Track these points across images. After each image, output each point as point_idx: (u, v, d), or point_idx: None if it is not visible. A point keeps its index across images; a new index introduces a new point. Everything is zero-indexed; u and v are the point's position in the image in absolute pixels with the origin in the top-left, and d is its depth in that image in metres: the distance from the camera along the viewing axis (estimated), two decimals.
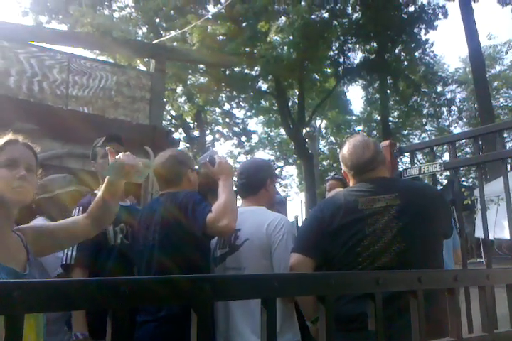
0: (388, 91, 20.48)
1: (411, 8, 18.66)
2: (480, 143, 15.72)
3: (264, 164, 2.68)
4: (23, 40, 6.56)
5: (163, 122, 21.30)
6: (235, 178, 2.55)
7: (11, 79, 6.26)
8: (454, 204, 3.24)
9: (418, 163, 22.07)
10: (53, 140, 4.91)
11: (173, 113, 22.89)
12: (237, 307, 2.17)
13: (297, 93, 19.83)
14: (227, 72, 17.73)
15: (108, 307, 0.76)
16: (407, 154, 3.52)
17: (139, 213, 2.56)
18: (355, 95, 69.24)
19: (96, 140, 2.75)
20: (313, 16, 16.74)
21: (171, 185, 2.43)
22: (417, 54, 19.46)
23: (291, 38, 15.83)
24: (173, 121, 23.61)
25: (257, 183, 2.48)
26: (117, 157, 1.83)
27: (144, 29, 19.61)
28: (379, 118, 23.01)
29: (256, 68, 17.67)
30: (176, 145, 6.55)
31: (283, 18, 16.75)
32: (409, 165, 3.15)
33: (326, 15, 17.78)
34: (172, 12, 17.22)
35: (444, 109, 28.12)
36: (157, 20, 18.56)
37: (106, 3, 18.80)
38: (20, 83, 6.25)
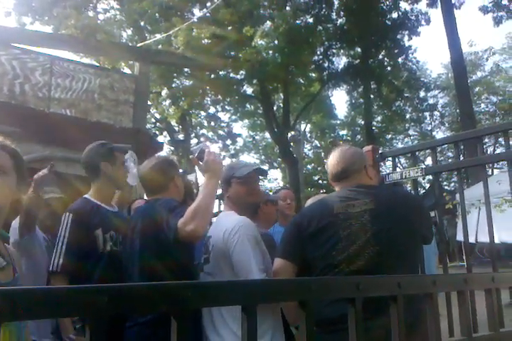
0: (372, 96, 20.69)
1: (394, 15, 18.92)
2: (462, 147, 15.97)
3: (226, 168, 2.64)
4: (5, 41, 6.48)
5: (148, 125, 21.22)
6: None
7: None
8: (435, 209, 3.29)
9: (401, 166, 22.33)
10: (35, 143, 4.85)
11: (157, 116, 22.77)
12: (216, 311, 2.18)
13: (282, 97, 19.91)
14: (212, 76, 17.72)
15: (88, 315, 0.76)
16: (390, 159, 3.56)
17: (129, 219, 2.55)
18: (340, 100, 69.76)
19: (116, 145, 2.67)
20: (298, 21, 16.86)
21: (157, 192, 2.42)
22: (400, 60, 19.71)
23: (276, 42, 15.91)
24: (158, 124, 23.49)
25: (164, 182, 2.47)
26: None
27: (129, 31, 19.50)
28: (363, 122, 23.19)
29: (241, 72, 17.71)
30: (159, 148, 6.52)
31: (268, 23, 16.82)
32: (392, 170, 3.20)
33: (311, 20, 17.92)
34: (157, 15, 17.15)
35: (427, 114, 28.49)
36: (142, 22, 18.47)
37: (90, 5, 18.66)
38: (1, 85, 6.17)
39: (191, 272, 2.32)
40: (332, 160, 2.27)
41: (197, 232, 2.01)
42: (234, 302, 0.97)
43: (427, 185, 20.17)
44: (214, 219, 2.54)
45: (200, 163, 2.25)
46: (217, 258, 2.23)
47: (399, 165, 24.39)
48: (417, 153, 3.38)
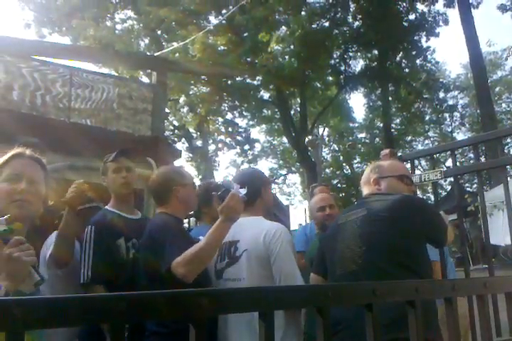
0: (390, 98, 20.54)
1: (411, 16, 18.79)
2: (483, 148, 15.68)
3: (256, 173, 2.68)
4: (25, 54, 6.63)
5: (166, 132, 21.42)
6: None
7: (14, 93, 6.33)
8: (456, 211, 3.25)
9: (422, 169, 22.05)
10: (56, 153, 4.95)
11: (175, 123, 22.98)
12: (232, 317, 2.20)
13: (299, 101, 19.91)
14: (229, 82, 17.83)
15: (107, 323, 0.78)
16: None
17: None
18: (358, 103, 69.32)
19: (106, 155, 2.77)
20: (313, 25, 16.86)
21: (160, 203, 2.48)
22: (418, 61, 19.53)
23: (292, 47, 15.94)
24: (176, 131, 23.68)
25: (252, 194, 2.49)
26: None
27: (146, 41, 19.77)
28: (381, 125, 23.02)
29: (257, 78, 17.78)
30: (177, 155, 6.58)
31: (283, 28, 16.87)
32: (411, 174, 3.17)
33: (327, 24, 17.92)
34: (173, 24, 17.36)
35: (447, 115, 28.13)
36: (159, 31, 18.70)
37: (108, 16, 18.97)
38: (23, 97, 6.31)
39: (203, 282, 2.32)
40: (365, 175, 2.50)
41: (186, 278, 2.00)
42: (251, 309, 0.98)
43: (449, 187, 19.89)
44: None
45: (220, 202, 2.23)
46: (253, 262, 2.22)
47: (420, 167, 24.14)
48: (437, 155, 3.35)
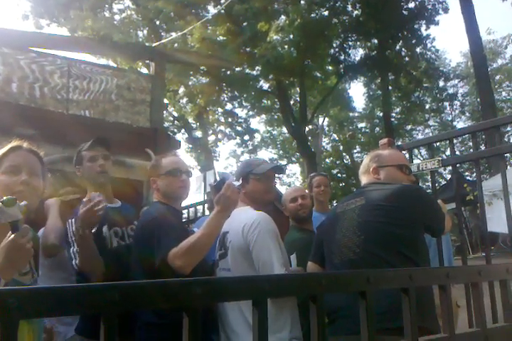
0: (390, 87, 20.45)
1: (411, 4, 18.63)
2: (483, 137, 15.63)
3: (247, 161, 2.76)
4: (23, 45, 6.59)
5: (166, 123, 21.38)
6: None
7: (13, 85, 6.31)
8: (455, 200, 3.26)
9: (422, 158, 22.02)
10: (54, 144, 4.95)
11: (175, 114, 22.93)
12: (230, 309, 2.21)
13: (298, 91, 19.84)
14: (228, 73, 17.76)
15: (100, 312, 0.79)
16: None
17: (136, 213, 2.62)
18: (357, 92, 69.08)
19: (81, 144, 2.73)
20: (312, 15, 16.74)
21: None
22: (418, 49, 19.41)
23: (291, 37, 15.84)
24: (176, 122, 23.64)
25: (242, 180, 2.52)
26: None
27: (145, 31, 19.65)
28: (381, 114, 22.96)
29: (257, 68, 17.70)
30: (177, 146, 6.58)
31: (283, 17, 16.75)
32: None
33: (326, 13, 17.78)
34: (172, 14, 17.24)
35: (447, 104, 28.04)
36: (157, 22, 18.58)
37: (106, 6, 18.83)
38: (21, 89, 6.29)
39: (204, 269, 2.33)
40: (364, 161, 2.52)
41: (182, 270, 1.99)
42: (244, 297, 0.99)
43: (449, 176, 19.88)
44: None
45: (215, 193, 2.21)
46: (236, 253, 2.25)
47: (420, 157, 24.12)
48: (436, 144, 3.36)
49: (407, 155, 3.47)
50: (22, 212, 1.47)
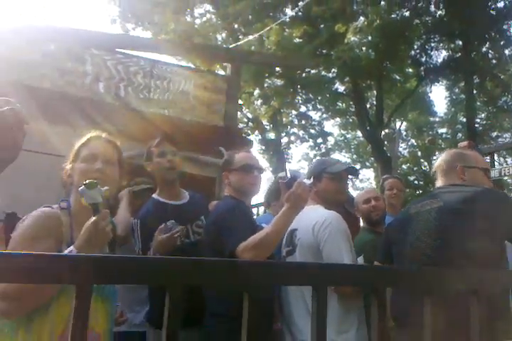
0: (475, 91, 19.46)
1: (500, 4, 17.65)
2: None
3: (322, 160, 2.83)
4: (110, 47, 6.99)
5: (240, 124, 21.73)
6: None
7: (100, 84, 6.71)
8: None
9: (505, 164, 20.72)
10: (136, 141, 5.19)
11: (249, 115, 23.24)
12: (294, 297, 2.22)
13: (375, 94, 19.41)
14: (303, 75, 17.74)
15: (166, 284, 0.83)
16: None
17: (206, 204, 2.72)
18: (439, 96, 66.33)
19: (150, 142, 2.86)
20: (393, 15, 16.33)
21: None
22: (506, 51, 18.32)
23: (369, 38, 15.55)
24: (250, 123, 23.95)
25: (314, 178, 2.54)
26: None
27: (224, 34, 20.12)
28: (464, 120, 21.90)
29: (333, 70, 17.54)
30: (249, 145, 6.68)
31: (361, 19, 16.49)
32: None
33: (407, 13, 17.27)
34: (250, 17, 17.52)
35: None
36: (236, 25, 18.97)
37: (188, 10, 19.50)
38: (109, 88, 6.68)
39: None
40: (440, 158, 2.47)
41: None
42: (304, 282, 1.00)
43: None
44: None
45: (286, 190, 2.24)
46: (305, 251, 2.26)
47: (505, 164, 22.74)
48: None
49: (488, 159, 3.31)
50: (103, 196, 1.57)
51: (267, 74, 18.43)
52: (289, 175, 2.37)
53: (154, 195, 2.82)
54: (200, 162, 5.48)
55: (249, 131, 22.55)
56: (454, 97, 23.70)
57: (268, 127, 24.78)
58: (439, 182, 2.32)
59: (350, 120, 25.15)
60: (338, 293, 2.12)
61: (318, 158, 24.58)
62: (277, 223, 2.16)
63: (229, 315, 2.12)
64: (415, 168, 27.93)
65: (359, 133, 24.62)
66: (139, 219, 2.69)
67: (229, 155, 2.66)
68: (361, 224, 3.53)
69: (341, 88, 20.01)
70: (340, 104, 22.46)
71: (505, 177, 2.85)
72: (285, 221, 2.16)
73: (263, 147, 23.92)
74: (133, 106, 6.65)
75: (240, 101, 17.25)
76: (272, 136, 24.66)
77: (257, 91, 20.75)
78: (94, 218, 1.47)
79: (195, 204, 2.86)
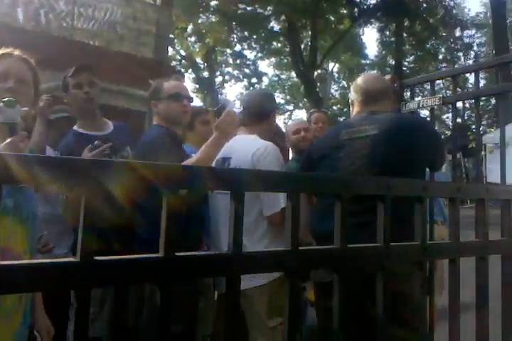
0: (404, 34, 19.82)
1: None
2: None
3: (272, 96, 2.78)
4: None
5: (173, 62, 20.98)
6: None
7: (18, 10, 6.18)
8: (461, 151, 3.27)
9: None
10: (58, 70, 4.91)
11: (182, 53, 22.47)
12: (222, 214, 2.30)
13: (310, 34, 19.29)
14: (239, 11, 17.20)
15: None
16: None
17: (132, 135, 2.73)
18: (371, 38, 66.88)
19: (67, 70, 2.68)
20: None
21: None
22: None
23: None
24: (183, 61, 23.20)
25: (264, 113, 2.55)
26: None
27: None
28: (393, 62, 22.42)
29: (269, 8, 17.11)
30: (180, 80, 6.52)
31: None
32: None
33: None
34: None
35: (461, 54, 27.27)
36: None
37: None
38: (27, 14, 6.16)
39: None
40: (368, 79, 2.31)
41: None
42: (224, 188, 1.04)
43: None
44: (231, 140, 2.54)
45: (216, 117, 2.22)
46: None
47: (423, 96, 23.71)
48: (445, 92, 3.32)
49: (409, 93, 3.45)
50: (21, 116, 1.48)
51: (200, 9, 17.69)
52: (218, 105, 2.36)
53: (75, 127, 2.70)
54: (129, 95, 5.30)
55: (182, 69, 21.88)
56: (385, 39, 24.05)
57: (202, 66, 24.15)
58: (366, 107, 2.22)
59: (285, 60, 25.00)
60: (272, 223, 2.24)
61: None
62: (206, 150, 2.18)
63: (151, 238, 2.18)
64: (345, 110, 28.63)
65: (293, 74, 24.63)
66: (60, 151, 2.59)
67: (157, 83, 2.57)
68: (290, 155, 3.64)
69: (277, 27, 19.68)
70: (275, 44, 22.17)
71: (423, 109, 2.98)
72: (214, 149, 2.18)
73: (197, 86, 23.44)
74: (55, 34, 6.22)
75: (172, 36, 16.54)
76: (205, 74, 24.12)
77: (190, 27, 19.95)
78: (11, 138, 1.40)
79: (119, 134, 2.77)
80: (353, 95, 2.31)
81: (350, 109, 2.35)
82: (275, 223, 2.27)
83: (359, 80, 2.33)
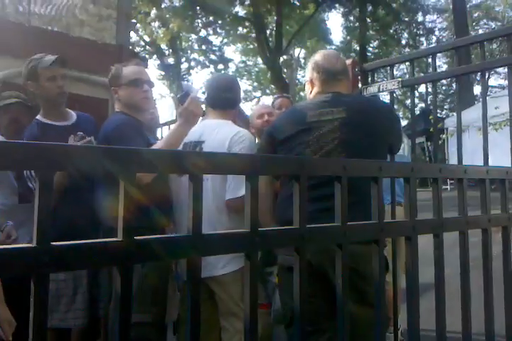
0: (368, 19, 19.99)
1: None
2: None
3: (237, 82, 2.78)
4: None
5: (137, 48, 20.56)
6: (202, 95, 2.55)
7: None
8: (425, 134, 3.35)
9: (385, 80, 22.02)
10: (14, 58, 4.75)
11: (146, 39, 22.03)
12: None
13: (275, 19, 19.21)
14: None
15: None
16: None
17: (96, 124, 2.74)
18: (335, 24, 67.14)
19: (34, 59, 2.58)
20: None
21: None
22: None
23: None
24: (148, 47, 22.77)
25: (238, 99, 2.56)
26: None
27: None
28: (358, 48, 22.60)
29: None
30: (145, 64, 6.40)
31: None
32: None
33: None
34: None
35: (423, 39, 27.69)
36: None
37: None
38: None
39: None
40: (328, 57, 2.25)
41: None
42: (182, 171, 1.05)
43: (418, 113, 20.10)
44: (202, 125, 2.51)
45: (180, 105, 2.19)
46: None
47: (385, 79, 24.06)
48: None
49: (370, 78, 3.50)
50: None
51: None
52: (182, 92, 2.34)
53: (38, 117, 2.66)
54: (90, 82, 5.17)
55: (146, 56, 21.48)
56: (349, 25, 24.18)
57: (167, 52, 23.76)
58: (328, 88, 2.17)
59: (251, 46, 24.84)
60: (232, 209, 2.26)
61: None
62: (170, 138, 2.17)
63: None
64: None
65: (260, 60, 24.55)
66: (25, 139, 2.56)
67: (116, 69, 2.53)
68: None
69: (242, 12, 19.51)
70: (240, 29, 21.99)
71: (383, 92, 3.03)
72: (178, 136, 2.17)
73: (162, 73, 23.08)
74: (11, 20, 5.99)
75: (135, 21, 16.19)
76: (171, 61, 23.75)
77: (153, 12, 19.55)
78: None
79: (82, 124, 2.75)
80: (311, 74, 2.24)
81: (307, 87, 2.29)
82: (232, 208, 2.29)
83: (318, 58, 2.25)
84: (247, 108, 29.74)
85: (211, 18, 20.29)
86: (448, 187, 10.41)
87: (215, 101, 2.51)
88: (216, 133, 2.38)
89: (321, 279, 1.84)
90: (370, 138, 2.03)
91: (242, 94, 2.68)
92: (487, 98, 2.85)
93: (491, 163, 2.25)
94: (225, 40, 24.22)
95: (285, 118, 2.25)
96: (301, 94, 28.69)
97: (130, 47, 7.10)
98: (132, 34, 17.26)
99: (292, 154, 2.04)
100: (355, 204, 1.43)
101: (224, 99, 2.50)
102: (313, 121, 2.06)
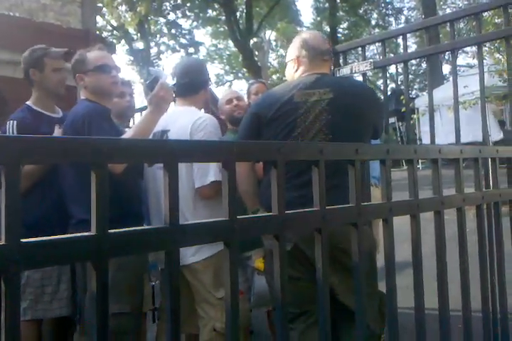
0: (338, 0, 19.91)
1: None
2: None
3: (205, 65, 2.68)
4: None
5: (104, 33, 20.08)
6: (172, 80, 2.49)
7: None
8: (396, 115, 3.37)
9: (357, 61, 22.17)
10: None
11: (114, 23, 21.48)
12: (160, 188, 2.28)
13: (245, 1, 18.95)
14: None
15: None
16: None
17: None
18: (305, 5, 66.71)
19: (40, 48, 2.56)
20: None
21: None
22: None
23: None
24: (115, 32, 22.24)
25: (199, 83, 2.49)
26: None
27: None
28: (328, 29, 22.53)
29: None
30: (112, 51, 6.24)
31: None
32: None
33: None
34: None
35: (392, 19, 27.79)
36: None
37: None
38: None
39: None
40: (318, 36, 2.24)
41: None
42: (156, 160, 1.02)
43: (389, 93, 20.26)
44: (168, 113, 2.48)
45: (150, 92, 2.13)
46: None
47: (356, 61, 24.23)
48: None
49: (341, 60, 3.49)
50: None
51: None
52: (150, 79, 2.28)
53: (29, 103, 2.61)
54: None
55: (114, 41, 20.99)
56: (319, 6, 24.07)
57: (135, 36, 23.26)
58: (314, 67, 2.14)
59: (222, 29, 24.51)
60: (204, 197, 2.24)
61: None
62: (140, 126, 2.12)
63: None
64: (284, 78, 28.62)
65: (231, 43, 24.25)
66: (16, 121, 2.48)
67: (80, 55, 2.44)
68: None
69: None
70: (210, 12, 21.65)
71: (355, 74, 3.03)
72: (149, 124, 2.12)
73: (131, 58, 22.62)
74: None
75: (101, 5, 15.75)
76: (140, 46, 23.29)
77: None
78: None
79: (66, 118, 2.75)
80: (298, 51, 2.20)
81: (292, 65, 2.23)
82: (204, 196, 2.27)
83: (306, 36, 2.22)
84: (220, 92, 29.48)
85: (179, 1, 19.90)
86: (420, 166, 10.57)
87: (177, 89, 2.46)
88: (179, 121, 2.34)
89: (307, 262, 1.85)
90: (356, 120, 2.03)
91: (209, 77, 2.61)
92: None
93: (468, 137, 2.29)
94: (195, 24, 23.81)
95: (272, 97, 2.17)
96: (274, 77, 28.60)
97: (97, 31, 6.91)
98: (99, 18, 16.83)
99: (280, 136, 2.02)
100: (337, 187, 1.43)
101: (182, 85, 2.44)
102: (301, 101, 2.04)
